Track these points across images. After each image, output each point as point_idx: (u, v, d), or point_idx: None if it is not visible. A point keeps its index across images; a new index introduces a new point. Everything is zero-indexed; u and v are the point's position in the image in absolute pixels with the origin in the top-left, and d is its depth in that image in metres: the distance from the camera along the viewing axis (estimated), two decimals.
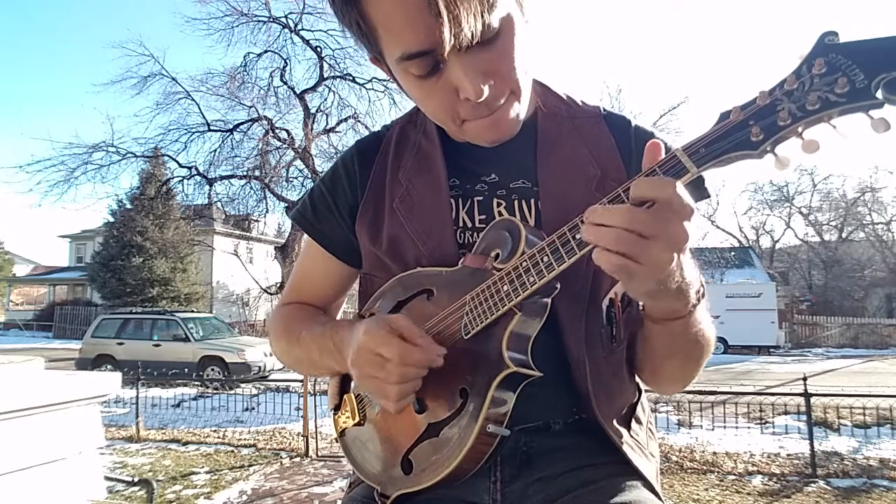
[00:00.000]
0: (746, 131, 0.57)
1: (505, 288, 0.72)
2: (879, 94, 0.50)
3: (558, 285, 0.73)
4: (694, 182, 0.61)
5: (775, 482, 4.92)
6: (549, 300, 0.74)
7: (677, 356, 0.81)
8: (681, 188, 0.59)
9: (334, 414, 0.95)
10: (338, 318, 1.07)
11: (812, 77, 0.53)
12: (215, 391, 9.66)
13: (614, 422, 0.85)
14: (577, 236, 0.65)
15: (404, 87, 0.79)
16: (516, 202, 0.86)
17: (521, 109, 0.81)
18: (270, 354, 10.26)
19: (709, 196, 0.89)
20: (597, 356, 0.82)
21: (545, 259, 0.68)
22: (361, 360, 0.75)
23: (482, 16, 0.67)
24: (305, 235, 1.01)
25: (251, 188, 16.61)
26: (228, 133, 16.27)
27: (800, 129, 0.54)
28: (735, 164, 0.59)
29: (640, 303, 0.78)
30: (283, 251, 15.71)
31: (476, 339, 0.76)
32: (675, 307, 0.72)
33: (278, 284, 18.38)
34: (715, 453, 5.70)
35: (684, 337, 0.77)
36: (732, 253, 29.52)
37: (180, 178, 16.93)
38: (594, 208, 0.62)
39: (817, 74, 0.53)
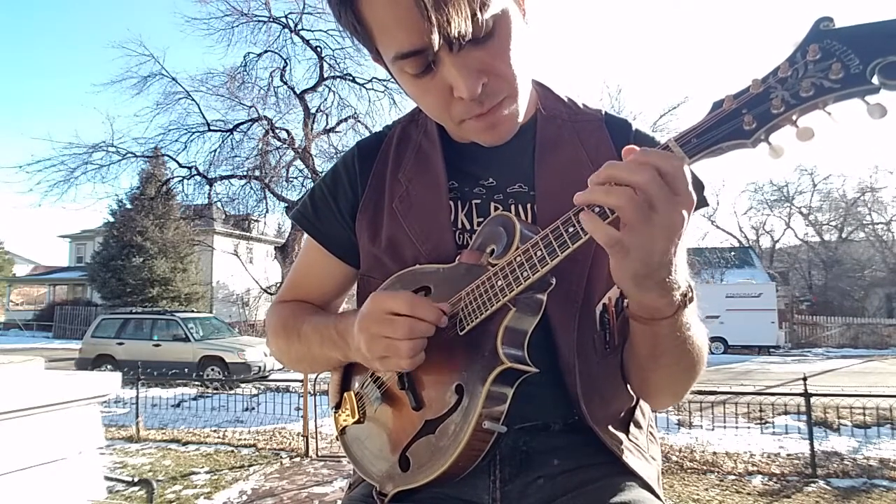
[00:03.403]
0: (739, 120, 0.56)
1: (499, 283, 0.72)
2: (875, 80, 0.49)
3: (553, 280, 0.73)
4: (694, 188, 0.60)
5: (775, 482, 4.92)
6: (544, 296, 0.74)
7: (662, 361, 0.79)
8: (688, 169, 0.59)
9: (335, 412, 0.95)
10: None
11: (806, 63, 0.52)
12: (215, 391, 9.65)
13: (610, 426, 0.84)
14: (570, 230, 0.65)
15: (402, 86, 0.79)
16: (513, 206, 0.86)
17: (518, 110, 0.80)
18: (270, 354, 10.24)
19: (707, 205, 0.87)
20: (588, 361, 0.81)
21: (538, 253, 0.68)
22: (370, 321, 0.75)
23: (473, 15, 0.66)
24: (305, 234, 1.01)
25: (251, 188, 16.63)
26: (228, 133, 16.26)
27: (794, 117, 0.53)
28: (729, 154, 0.59)
29: (625, 300, 0.77)
30: (283, 251, 15.72)
31: (471, 335, 0.75)
32: (657, 305, 0.70)
33: (278, 284, 18.37)
34: (715, 453, 5.69)
35: (670, 340, 0.74)
36: (732, 253, 29.53)
37: (180, 178, 16.94)
38: (613, 163, 0.60)
39: (811, 61, 0.52)
